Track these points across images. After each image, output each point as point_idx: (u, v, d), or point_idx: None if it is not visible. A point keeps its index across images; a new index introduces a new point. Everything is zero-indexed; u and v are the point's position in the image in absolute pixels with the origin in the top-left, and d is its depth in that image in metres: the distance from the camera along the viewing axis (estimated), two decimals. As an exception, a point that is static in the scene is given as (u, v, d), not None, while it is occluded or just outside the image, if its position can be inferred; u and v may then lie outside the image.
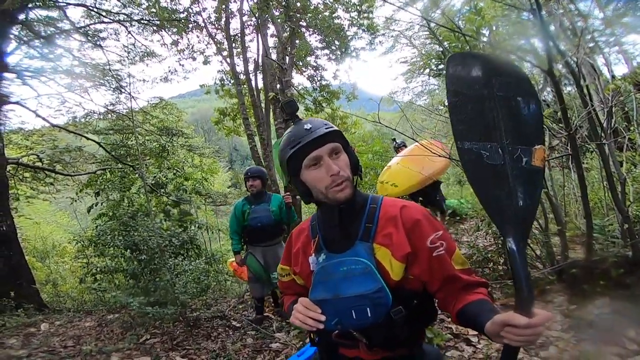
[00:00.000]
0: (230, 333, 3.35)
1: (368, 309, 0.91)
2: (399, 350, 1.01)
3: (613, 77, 4.57)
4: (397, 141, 7.15)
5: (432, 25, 3.40)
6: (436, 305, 1.06)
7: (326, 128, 0.96)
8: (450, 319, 2.61)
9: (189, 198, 7.53)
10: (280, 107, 1.14)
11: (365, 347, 1.00)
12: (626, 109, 3.87)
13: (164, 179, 7.28)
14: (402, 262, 0.95)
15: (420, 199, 4.93)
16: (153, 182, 6.84)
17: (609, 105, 2.83)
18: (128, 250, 4.42)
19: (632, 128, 3.51)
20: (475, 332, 2.60)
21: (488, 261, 3.60)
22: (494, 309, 0.86)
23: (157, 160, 7.24)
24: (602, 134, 2.65)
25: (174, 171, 7.54)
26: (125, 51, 6.99)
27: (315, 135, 0.95)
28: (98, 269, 4.51)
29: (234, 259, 5.13)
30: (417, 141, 4.19)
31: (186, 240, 6.08)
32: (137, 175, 6.27)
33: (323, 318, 0.94)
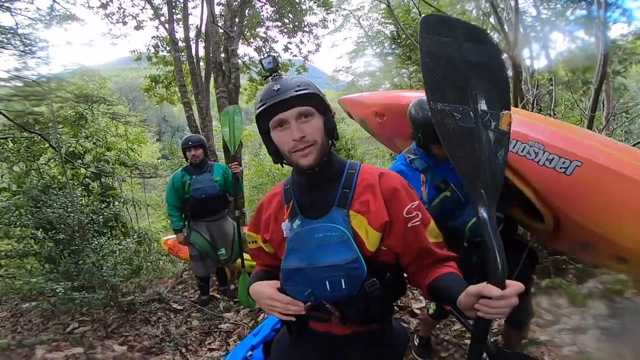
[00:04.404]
0: (172, 316, 3.24)
1: (342, 280, 0.91)
2: (371, 325, 1.04)
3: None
4: None
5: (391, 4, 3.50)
6: (405, 279, 1.09)
7: (296, 91, 0.92)
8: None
9: (112, 169, 6.98)
10: (260, 62, 1.07)
11: (338, 320, 1.01)
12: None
13: (81, 148, 6.64)
14: (378, 231, 0.95)
15: None
16: (68, 151, 6.17)
17: (534, 94, 3.21)
18: (40, 230, 3.98)
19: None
20: (419, 306, 2.85)
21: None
22: (466, 283, 0.89)
23: (72, 128, 6.53)
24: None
25: (94, 140, 6.89)
26: (38, 14, 6.06)
27: (280, 98, 0.91)
28: (2, 254, 4.00)
29: (168, 237, 4.94)
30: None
31: (110, 217, 5.68)
32: (47, 144, 5.60)
33: (303, 312, 0.95)
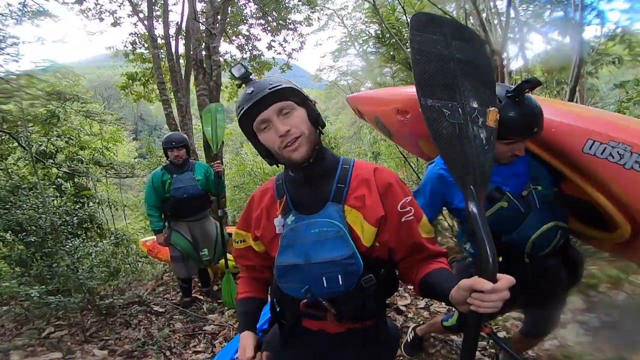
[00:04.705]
0: (154, 319, 3.16)
1: (339, 276, 0.91)
2: (366, 322, 1.03)
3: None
4: None
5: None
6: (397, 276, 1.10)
7: (270, 88, 0.92)
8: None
9: (86, 169, 6.75)
10: (230, 71, 1.07)
11: (334, 318, 0.99)
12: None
13: (52, 147, 6.38)
14: (374, 226, 0.95)
15: None
16: (39, 150, 5.93)
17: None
18: (9, 233, 3.79)
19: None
20: (405, 303, 2.89)
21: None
22: (456, 278, 0.89)
23: (44, 127, 6.28)
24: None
25: (66, 139, 6.63)
26: (9, 10, 5.80)
27: (256, 99, 0.92)
28: (-33, 257, 3.80)
29: (147, 238, 4.81)
30: None
31: (85, 218, 5.50)
32: (16, 143, 5.37)
33: None
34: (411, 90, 2.23)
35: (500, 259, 1.27)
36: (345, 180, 1.00)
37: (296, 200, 1.02)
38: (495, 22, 4.58)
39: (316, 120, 0.99)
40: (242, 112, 0.94)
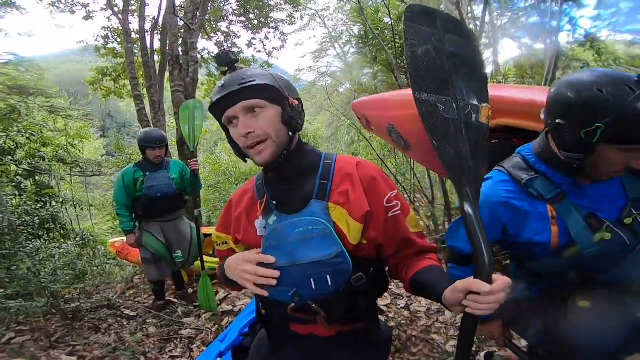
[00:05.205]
0: (125, 323, 3.02)
1: (328, 277, 0.86)
2: (357, 324, 0.99)
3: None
4: None
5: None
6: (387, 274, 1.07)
7: (239, 85, 0.88)
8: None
9: (48, 167, 6.40)
10: (215, 57, 1.01)
11: (324, 321, 0.95)
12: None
13: (12, 143, 6.01)
14: (360, 222, 0.92)
15: None
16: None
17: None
18: (-39, 234, 3.52)
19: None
20: (385, 303, 2.90)
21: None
22: (449, 277, 0.88)
23: (2, 122, 5.93)
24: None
25: (28, 135, 6.27)
26: None
27: (223, 94, 0.89)
28: None
29: (115, 240, 4.60)
30: None
31: (47, 218, 5.20)
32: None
33: (277, 274, 0.87)
34: None
35: (588, 304, 1.07)
36: (328, 176, 0.96)
37: (277, 200, 0.97)
38: (471, 26, 4.72)
39: (289, 122, 0.94)
40: (211, 103, 0.92)
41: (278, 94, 0.93)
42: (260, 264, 0.89)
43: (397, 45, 3.51)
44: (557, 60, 2.91)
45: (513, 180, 1.11)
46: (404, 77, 3.71)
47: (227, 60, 0.95)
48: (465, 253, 1.16)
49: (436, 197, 4.36)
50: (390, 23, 3.21)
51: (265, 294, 0.88)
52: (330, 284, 0.87)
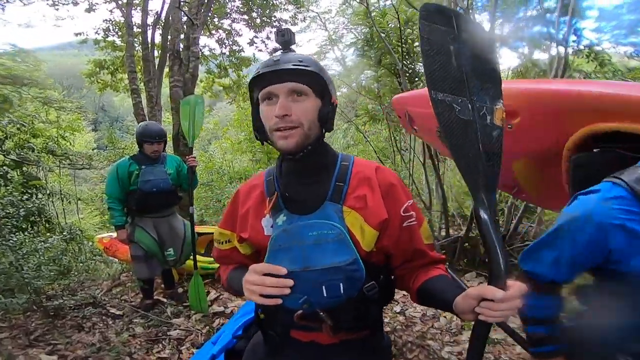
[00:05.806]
0: (110, 322, 2.92)
1: (341, 284, 0.83)
2: (363, 332, 0.95)
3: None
4: None
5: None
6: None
7: (294, 65, 0.85)
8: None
9: (37, 158, 6.27)
10: (275, 33, 0.98)
11: (329, 329, 0.90)
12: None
13: (1, 133, 5.91)
14: (376, 230, 0.88)
15: None
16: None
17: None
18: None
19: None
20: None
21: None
22: (459, 285, 0.87)
23: (-8, 112, 5.85)
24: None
25: (19, 125, 6.16)
26: None
27: (274, 68, 0.85)
28: None
29: (103, 235, 4.49)
30: None
31: (32, 210, 5.07)
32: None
33: (290, 283, 0.80)
34: (524, 84, 1.66)
35: None
36: (344, 179, 0.92)
37: (288, 198, 0.93)
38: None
39: (324, 119, 0.91)
40: (257, 74, 0.88)
41: (325, 87, 0.91)
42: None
43: (402, 49, 3.51)
44: (563, 72, 2.91)
45: (636, 199, 0.83)
46: (407, 80, 3.70)
47: (287, 39, 0.92)
48: (548, 280, 1.00)
49: (433, 203, 4.36)
50: (399, 27, 3.22)
51: (277, 302, 0.80)
52: (342, 291, 0.83)
